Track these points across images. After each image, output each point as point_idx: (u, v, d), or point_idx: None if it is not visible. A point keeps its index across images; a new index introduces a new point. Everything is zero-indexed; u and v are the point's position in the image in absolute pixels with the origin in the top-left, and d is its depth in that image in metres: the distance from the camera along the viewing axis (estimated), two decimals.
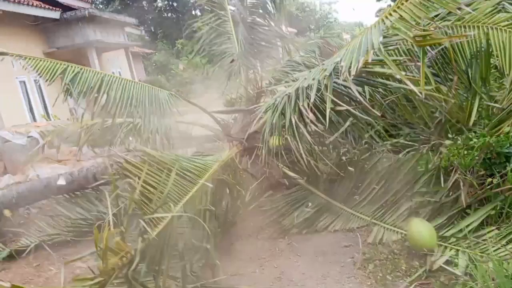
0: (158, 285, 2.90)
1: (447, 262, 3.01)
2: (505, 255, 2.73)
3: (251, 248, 4.01)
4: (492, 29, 3.37)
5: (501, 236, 2.93)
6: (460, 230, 3.18)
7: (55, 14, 13.48)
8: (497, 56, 3.30)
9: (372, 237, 3.63)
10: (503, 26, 3.32)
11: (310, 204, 4.36)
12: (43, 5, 13.15)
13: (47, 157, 8.25)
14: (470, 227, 3.12)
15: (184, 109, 8.19)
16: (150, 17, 33.46)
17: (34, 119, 11.89)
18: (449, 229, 3.26)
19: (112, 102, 5.22)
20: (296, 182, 4.68)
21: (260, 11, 6.31)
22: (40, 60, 5.34)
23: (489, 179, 3.15)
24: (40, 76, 5.34)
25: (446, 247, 3.13)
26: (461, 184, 3.27)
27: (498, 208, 3.06)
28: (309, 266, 3.52)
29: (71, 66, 5.34)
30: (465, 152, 3.34)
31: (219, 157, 4.35)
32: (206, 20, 6.41)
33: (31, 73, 11.39)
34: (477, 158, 3.27)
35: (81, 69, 5.34)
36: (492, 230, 2.99)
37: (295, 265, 3.59)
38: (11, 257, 4.63)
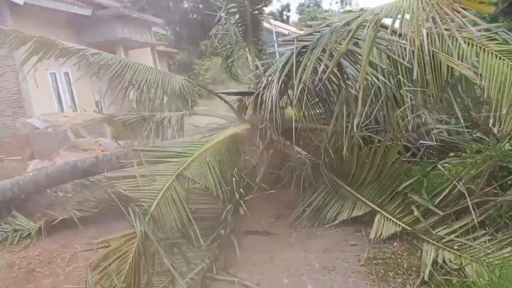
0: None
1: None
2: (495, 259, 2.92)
3: (262, 238, 4.28)
4: (483, 50, 3.58)
5: (494, 242, 3.14)
6: (453, 231, 3.41)
7: (87, 11, 14.03)
8: (482, 78, 3.51)
9: (374, 229, 3.87)
10: (495, 51, 3.53)
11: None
12: (76, 2, 13.74)
13: (73, 146, 8.68)
14: (461, 230, 3.36)
15: (203, 108, 8.57)
16: (176, 17, 34.12)
17: (62, 109, 12.41)
18: (444, 229, 3.51)
19: (129, 83, 5.59)
20: (307, 165, 4.93)
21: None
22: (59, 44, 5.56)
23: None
24: (63, 58, 5.63)
25: (439, 247, 3.38)
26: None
27: (492, 215, 3.28)
28: (317, 260, 3.77)
29: (89, 49, 5.66)
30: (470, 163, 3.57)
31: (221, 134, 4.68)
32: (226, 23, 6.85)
33: (61, 66, 11.92)
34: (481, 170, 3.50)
35: (100, 52, 5.69)
36: (485, 234, 3.21)
37: (304, 258, 3.84)
38: (39, 234, 5.00)
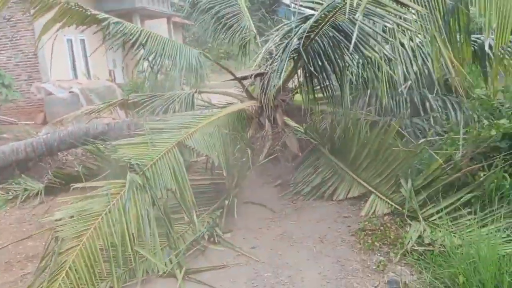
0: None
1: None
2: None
3: (260, 209, 4.48)
4: None
5: (478, 220, 3.26)
6: (440, 210, 3.55)
7: None
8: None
9: (367, 208, 4.03)
10: None
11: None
12: None
13: (85, 113, 8.88)
14: (448, 208, 3.50)
15: (214, 82, 8.69)
16: None
17: (76, 76, 12.63)
18: (432, 207, 3.66)
19: (147, 53, 5.72)
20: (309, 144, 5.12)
21: None
22: (86, 10, 5.57)
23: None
24: (86, 24, 5.73)
25: (427, 224, 3.53)
26: None
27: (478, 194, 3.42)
28: (310, 229, 3.95)
29: (112, 18, 5.73)
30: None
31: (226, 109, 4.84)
32: None
33: (78, 33, 12.07)
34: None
35: (122, 21, 5.79)
36: (470, 213, 3.34)
37: (297, 226, 4.02)
38: (48, 193, 5.29)
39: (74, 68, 12.87)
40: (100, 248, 3.13)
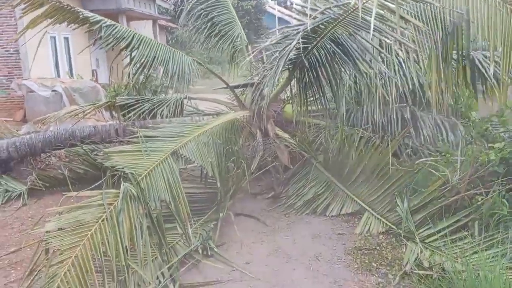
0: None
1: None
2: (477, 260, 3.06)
3: (252, 221, 4.41)
4: None
5: (475, 244, 3.28)
6: (438, 231, 3.56)
7: None
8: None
9: (361, 225, 4.02)
10: None
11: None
12: None
13: (69, 113, 8.62)
14: (444, 231, 3.51)
15: (199, 87, 8.59)
16: None
17: (58, 74, 12.29)
18: (429, 228, 3.66)
19: (139, 57, 5.63)
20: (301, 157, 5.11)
21: None
22: (79, 12, 5.42)
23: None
24: (77, 24, 5.58)
25: (424, 245, 3.53)
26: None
27: (476, 217, 3.44)
28: (305, 245, 3.90)
29: (106, 20, 5.62)
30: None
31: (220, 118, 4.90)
32: None
33: (62, 30, 11.77)
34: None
35: (114, 24, 5.67)
36: (467, 236, 3.36)
37: (292, 242, 3.97)
38: (32, 196, 5.09)
39: (57, 66, 12.52)
40: (92, 257, 3.01)
